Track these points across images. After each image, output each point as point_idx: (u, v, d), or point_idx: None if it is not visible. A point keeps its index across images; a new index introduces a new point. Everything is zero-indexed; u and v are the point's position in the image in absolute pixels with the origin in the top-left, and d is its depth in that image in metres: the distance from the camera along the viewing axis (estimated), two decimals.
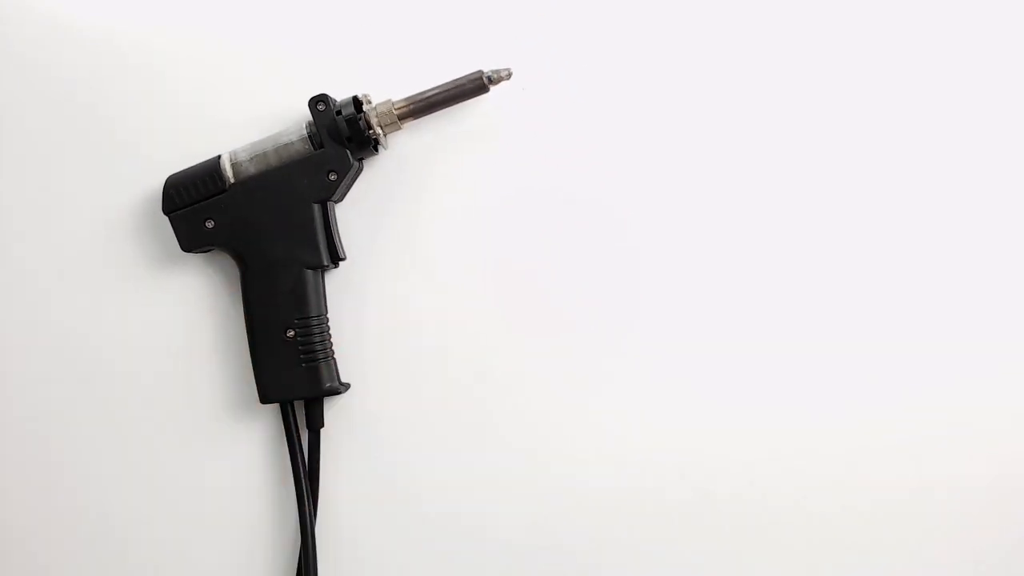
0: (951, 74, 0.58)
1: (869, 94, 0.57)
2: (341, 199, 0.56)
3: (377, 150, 0.56)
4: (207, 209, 0.54)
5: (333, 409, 0.57)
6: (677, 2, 0.57)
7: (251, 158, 0.54)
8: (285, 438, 0.56)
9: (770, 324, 0.57)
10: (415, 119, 0.55)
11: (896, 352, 0.57)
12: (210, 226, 0.54)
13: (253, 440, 0.57)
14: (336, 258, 0.55)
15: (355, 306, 0.57)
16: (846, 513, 0.58)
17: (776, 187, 0.57)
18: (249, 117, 0.57)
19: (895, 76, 0.57)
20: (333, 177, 0.54)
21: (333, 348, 0.56)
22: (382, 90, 0.55)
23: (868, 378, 0.57)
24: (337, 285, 0.57)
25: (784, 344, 0.57)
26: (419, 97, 0.54)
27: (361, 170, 0.56)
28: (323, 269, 0.55)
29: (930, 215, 0.57)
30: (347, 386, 0.56)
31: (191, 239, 0.55)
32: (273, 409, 0.57)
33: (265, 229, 0.54)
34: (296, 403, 0.56)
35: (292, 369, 0.54)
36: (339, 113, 0.53)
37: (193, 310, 0.57)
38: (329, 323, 0.56)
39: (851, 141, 0.57)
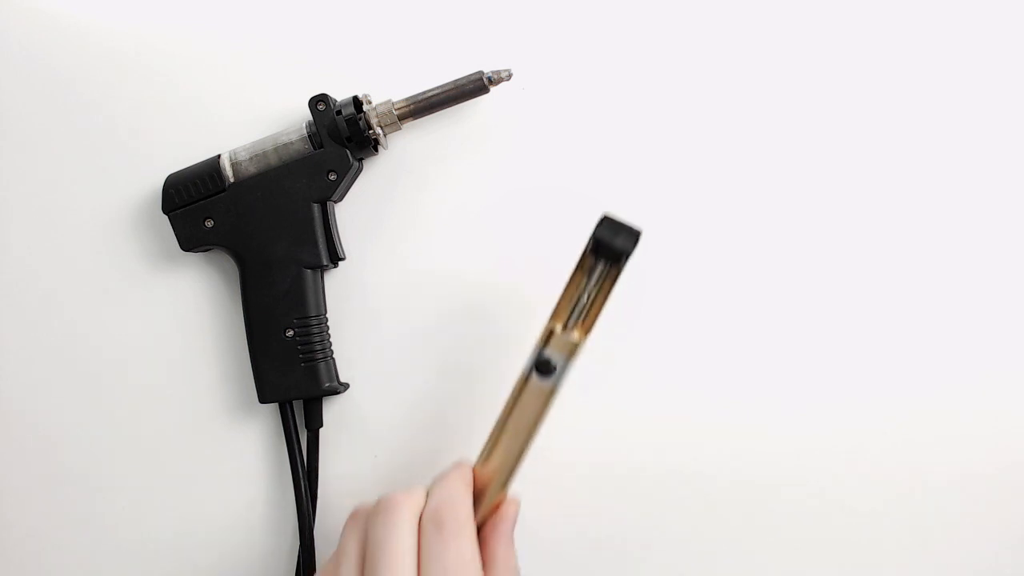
0: (949, 79, 0.58)
1: (869, 97, 0.58)
2: (341, 199, 0.56)
3: (377, 150, 0.56)
4: (207, 208, 0.54)
5: (332, 409, 0.57)
6: (677, 2, 0.57)
7: (251, 157, 0.54)
8: (284, 438, 0.56)
9: (771, 323, 0.57)
10: (415, 119, 0.55)
11: (896, 353, 0.57)
12: (209, 225, 0.54)
13: (251, 440, 0.57)
14: (336, 258, 0.55)
15: (354, 306, 0.57)
16: (847, 515, 0.57)
17: (776, 187, 0.57)
18: (249, 117, 0.57)
19: (894, 77, 0.58)
20: (333, 177, 0.54)
21: (332, 348, 0.56)
22: (382, 90, 0.55)
23: (869, 378, 0.57)
24: (336, 285, 0.57)
25: (785, 344, 0.57)
26: (419, 97, 0.54)
27: (361, 170, 0.56)
28: (322, 269, 0.55)
29: (930, 215, 0.57)
30: (346, 386, 0.56)
31: (190, 238, 0.55)
32: (272, 409, 0.57)
33: (265, 229, 0.54)
34: (295, 403, 0.56)
35: (291, 369, 0.54)
36: (339, 113, 0.53)
37: (192, 309, 0.57)
38: (328, 323, 0.56)
39: (851, 144, 0.58)
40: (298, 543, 0.56)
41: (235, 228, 0.54)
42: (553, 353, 0.45)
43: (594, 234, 0.46)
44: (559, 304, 0.46)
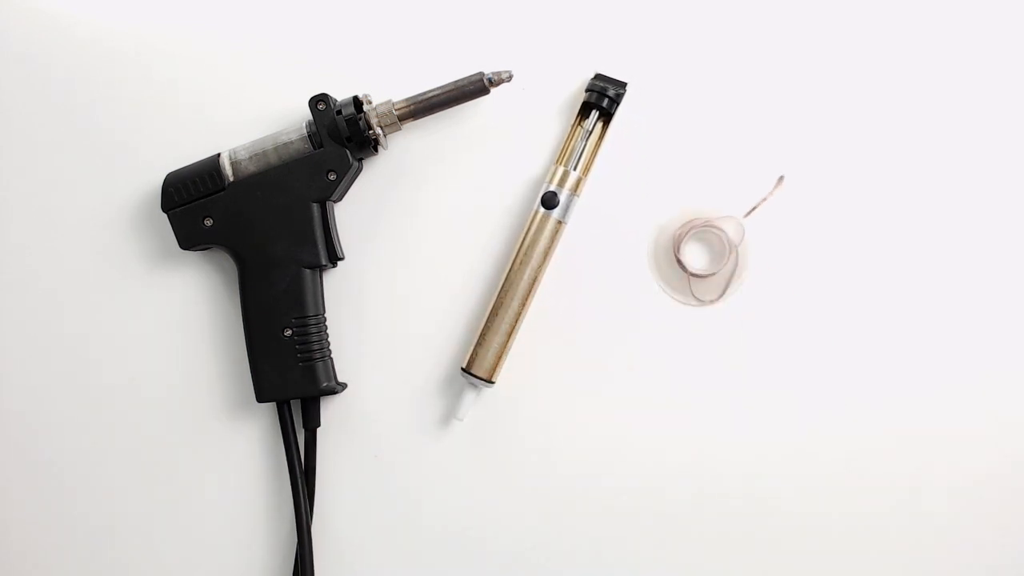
0: (952, 83, 0.58)
1: (875, 101, 0.58)
2: (340, 199, 0.57)
3: (377, 150, 0.56)
4: (206, 207, 0.54)
5: (329, 409, 0.57)
6: (676, 3, 0.58)
7: (251, 156, 0.54)
8: (282, 437, 0.56)
9: (771, 327, 0.57)
10: (415, 120, 0.55)
11: (895, 356, 0.57)
12: (209, 224, 0.54)
13: (249, 439, 0.57)
14: (334, 258, 0.55)
15: (353, 306, 0.57)
16: (847, 517, 0.57)
17: (773, 191, 0.58)
18: (249, 117, 0.57)
19: (894, 84, 0.58)
20: (332, 177, 0.54)
21: (330, 348, 0.56)
22: (382, 90, 0.56)
23: (868, 382, 0.57)
24: (335, 285, 0.57)
25: (784, 349, 0.57)
26: (420, 98, 0.54)
27: (360, 170, 0.56)
28: (321, 269, 0.55)
29: (927, 219, 0.58)
30: (344, 386, 0.56)
31: (190, 237, 0.55)
32: (270, 408, 0.57)
33: (264, 228, 0.54)
34: (293, 402, 0.56)
35: (289, 368, 0.54)
36: (339, 113, 0.54)
37: (191, 308, 0.57)
38: (327, 323, 0.56)
39: (851, 146, 0.58)
40: (295, 543, 0.56)
41: (234, 227, 0.54)
42: (556, 188, 0.54)
43: (589, 86, 0.55)
44: (560, 152, 0.56)
